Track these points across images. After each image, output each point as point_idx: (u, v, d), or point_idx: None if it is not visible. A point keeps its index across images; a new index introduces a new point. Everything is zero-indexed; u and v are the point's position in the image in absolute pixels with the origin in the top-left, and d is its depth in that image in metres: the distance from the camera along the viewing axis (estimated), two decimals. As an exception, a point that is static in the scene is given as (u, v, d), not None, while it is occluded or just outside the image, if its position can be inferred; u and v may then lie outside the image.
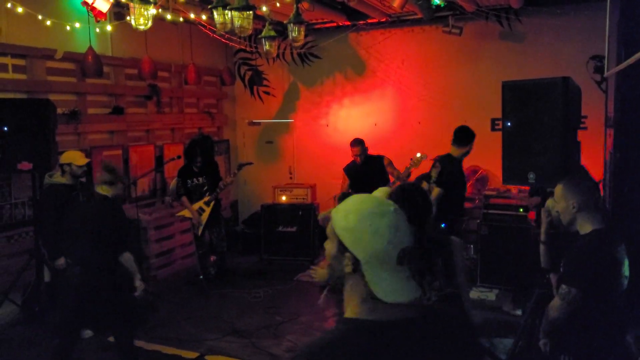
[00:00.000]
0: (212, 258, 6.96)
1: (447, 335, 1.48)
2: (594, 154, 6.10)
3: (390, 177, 6.70)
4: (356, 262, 1.41)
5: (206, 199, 6.67)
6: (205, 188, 6.73)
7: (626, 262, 2.61)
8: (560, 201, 2.76)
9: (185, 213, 6.75)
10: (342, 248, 1.44)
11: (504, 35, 7.45)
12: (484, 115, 7.51)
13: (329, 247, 1.50)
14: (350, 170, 6.88)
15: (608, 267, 2.58)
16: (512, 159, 3.72)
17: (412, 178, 6.78)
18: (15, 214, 5.74)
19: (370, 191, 6.46)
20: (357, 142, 6.75)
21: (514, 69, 7.35)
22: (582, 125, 6.01)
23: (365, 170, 6.69)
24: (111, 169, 4.37)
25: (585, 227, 2.69)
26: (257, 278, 7.14)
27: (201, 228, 6.67)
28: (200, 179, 6.72)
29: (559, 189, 2.78)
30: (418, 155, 6.24)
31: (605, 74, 3.76)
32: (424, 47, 8.02)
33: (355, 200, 1.50)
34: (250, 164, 7.39)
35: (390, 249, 1.39)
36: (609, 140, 4.64)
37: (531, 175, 3.57)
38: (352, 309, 1.46)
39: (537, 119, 3.56)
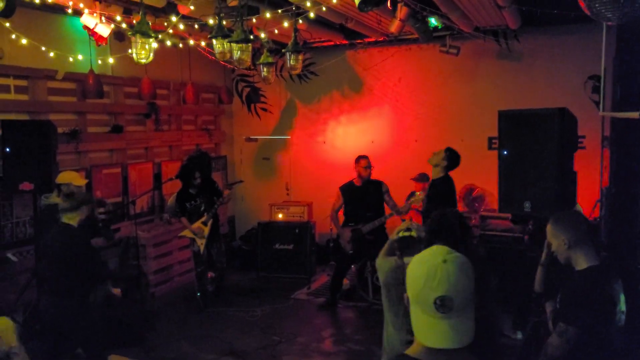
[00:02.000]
0: (210, 275, 6.99)
1: None
2: (592, 173, 6.19)
3: (385, 205, 6.67)
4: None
5: (204, 218, 6.70)
6: (203, 208, 6.76)
7: (622, 298, 2.65)
8: (552, 239, 2.79)
9: (187, 233, 6.79)
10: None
11: (502, 55, 7.55)
12: (481, 133, 7.60)
13: None
14: (346, 190, 6.79)
15: (604, 304, 2.61)
16: (508, 187, 3.78)
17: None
18: (17, 233, 5.77)
19: (364, 215, 6.59)
20: (365, 156, 6.73)
21: (511, 88, 7.46)
22: (579, 145, 6.12)
23: (362, 193, 6.66)
24: (68, 193, 4.39)
25: (580, 263, 2.72)
26: (254, 296, 7.17)
27: (202, 246, 6.70)
28: (198, 200, 6.75)
29: (549, 228, 2.81)
30: (419, 194, 6.36)
31: (601, 113, 3.83)
32: (421, 66, 8.11)
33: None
34: (241, 182, 7.45)
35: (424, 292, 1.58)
36: (605, 160, 4.72)
37: (527, 204, 3.64)
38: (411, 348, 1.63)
39: (533, 148, 3.63)
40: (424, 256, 1.63)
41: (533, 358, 3.11)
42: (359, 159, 6.71)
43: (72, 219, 4.24)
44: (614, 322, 2.62)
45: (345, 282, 7.03)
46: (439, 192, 5.77)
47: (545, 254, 3.05)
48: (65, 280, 4.24)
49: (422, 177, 7.17)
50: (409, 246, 3.66)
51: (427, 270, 1.56)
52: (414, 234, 3.63)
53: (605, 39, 3.85)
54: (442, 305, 1.51)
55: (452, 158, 5.86)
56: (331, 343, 5.77)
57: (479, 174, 7.34)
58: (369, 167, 6.64)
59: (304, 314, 6.61)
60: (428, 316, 1.54)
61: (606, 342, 2.65)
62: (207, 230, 6.68)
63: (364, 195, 6.64)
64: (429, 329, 1.54)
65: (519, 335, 5.40)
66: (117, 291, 4.62)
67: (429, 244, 2.76)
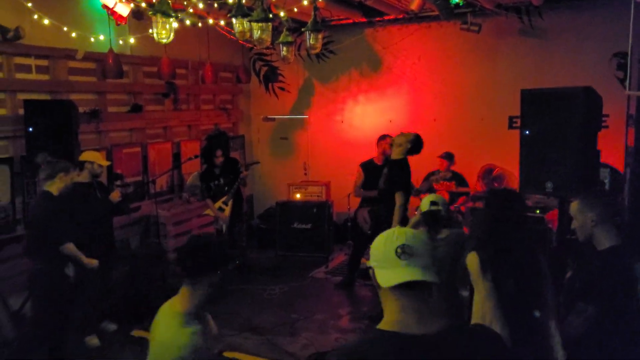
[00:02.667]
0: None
1: (475, 351, 1.57)
2: (615, 152, 6.10)
3: None
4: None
5: (224, 198, 6.78)
6: (227, 188, 6.85)
7: None
8: (577, 216, 2.78)
9: (210, 212, 6.91)
10: None
11: (524, 32, 7.39)
12: (501, 112, 7.51)
13: None
14: (366, 167, 6.81)
15: (625, 285, 2.61)
16: (530, 167, 3.75)
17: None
18: (39, 212, 5.86)
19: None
20: (387, 135, 6.69)
21: (532, 66, 7.34)
22: (603, 124, 6.02)
23: (382, 172, 6.62)
24: (48, 161, 4.46)
25: (602, 242, 2.72)
26: (272, 274, 7.24)
27: (225, 225, 6.78)
28: (221, 180, 6.85)
29: (575, 205, 2.80)
30: (438, 172, 6.60)
31: (627, 92, 3.76)
32: (441, 44, 8.00)
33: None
34: (257, 163, 7.47)
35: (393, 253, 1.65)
36: (629, 137, 4.63)
37: (549, 184, 3.61)
38: (384, 321, 1.62)
39: (556, 128, 3.59)
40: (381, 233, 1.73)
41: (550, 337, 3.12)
42: (385, 136, 6.69)
43: (51, 187, 4.34)
44: (634, 303, 2.62)
45: (364, 261, 7.06)
46: (399, 174, 5.72)
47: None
48: (32, 243, 4.49)
49: (447, 156, 7.14)
50: (435, 221, 3.67)
51: (387, 235, 1.68)
52: (440, 208, 3.65)
53: (633, 15, 3.76)
54: (403, 252, 1.59)
55: (417, 143, 5.79)
56: (348, 320, 5.83)
57: (499, 154, 7.28)
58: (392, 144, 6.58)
59: (322, 292, 6.67)
60: (392, 269, 1.61)
61: (625, 322, 2.65)
62: (227, 209, 6.75)
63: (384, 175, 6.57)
64: (391, 275, 1.60)
65: (537, 314, 5.40)
66: (92, 262, 4.65)
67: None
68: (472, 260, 2.62)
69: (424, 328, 1.55)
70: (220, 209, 6.81)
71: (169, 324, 2.45)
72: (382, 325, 1.60)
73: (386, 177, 5.85)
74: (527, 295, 2.73)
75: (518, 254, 2.78)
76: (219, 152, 6.82)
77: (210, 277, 2.53)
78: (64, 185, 4.41)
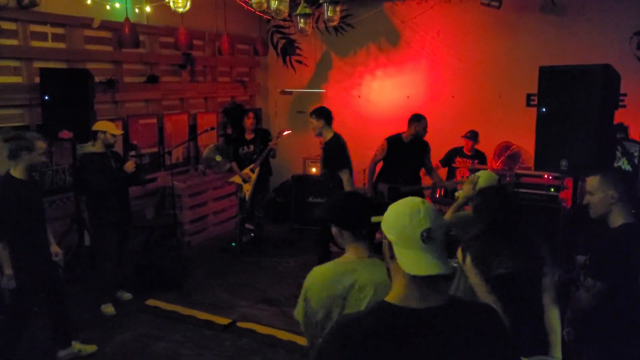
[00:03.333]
0: (247, 226, 7.14)
1: (472, 326, 1.59)
2: (632, 132, 6.01)
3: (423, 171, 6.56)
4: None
5: (251, 166, 6.83)
6: (255, 156, 6.89)
7: None
8: (596, 192, 2.74)
9: (236, 179, 6.94)
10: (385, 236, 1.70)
11: (545, 9, 7.22)
12: (520, 90, 7.39)
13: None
14: (393, 143, 6.44)
15: (635, 263, 2.60)
16: (545, 145, 3.70)
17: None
18: (57, 180, 5.95)
19: (401, 175, 6.45)
20: (423, 116, 6.38)
21: (553, 43, 7.18)
22: (621, 104, 5.90)
23: (408, 151, 6.36)
24: (8, 138, 3.96)
25: (616, 220, 2.70)
26: (287, 247, 7.30)
27: (248, 193, 6.83)
28: (252, 147, 6.89)
29: (595, 180, 2.76)
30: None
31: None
32: (460, 19, 7.85)
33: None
34: (288, 131, 7.45)
35: (419, 229, 1.63)
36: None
37: (564, 163, 3.56)
38: (391, 294, 1.65)
39: (573, 105, 3.53)
40: (400, 202, 1.72)
41: (562, 313, 3.11)
42: (420, 118, 6.33)
43: (16, 169, 3.95)
44: None
45: (378, 236, 7.04)
46: (334, 153, 5.76)
47: None
48: None
49: (473, 135, 7.05)
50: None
51: (410, 208, 1.65)
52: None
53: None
54: (428, 237, 1.60)
55: (326, 113, 5.93)
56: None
57: (516, 131, 7.19)
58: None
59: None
60: (413, 250, 1.61)
61: (634, 300, 2.64)
62: (253, 177, 6.79)
63: (408, 153, 6.35)
64: (415, 261, 1.60)
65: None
66: (55, 250, 4.41)
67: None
68: (463, 255, 2.75)
69: (426, 303, 1.58)
70: (247, 176, 6.85)
71: None
72: (390, 298, 1.62)
73: (323, 159, 5.87)
74: (525, 279, 2.72)
75: (514, 242, 2.75)
76: (250, 114, 6.87)
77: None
78: (28, 165, 3.98)
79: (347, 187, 5.63)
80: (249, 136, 7.01)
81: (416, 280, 1.59)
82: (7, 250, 3.91)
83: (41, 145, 4.06)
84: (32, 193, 4.10)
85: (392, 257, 1.64)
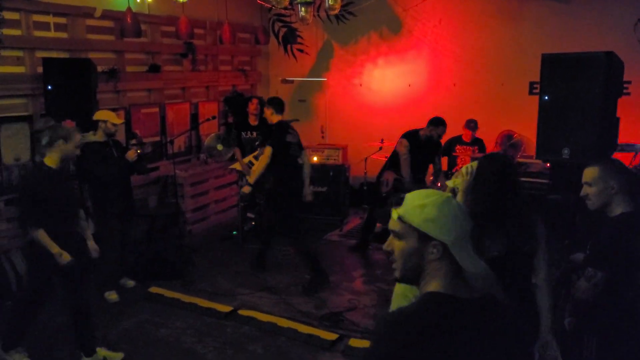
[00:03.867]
0: (249, 214, 7.15)
1: (501, 316, 1.64)
2: (636, 120, 6.00)
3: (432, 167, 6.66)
4: (444, 247, 1.59)
5: (256, 152, 6.79)
6: (258, 142, 6.87)
7: None
8: (596, 183, 2.74)
9: (237, 166, 6.93)
10: (425, 239, 1.60)
11: (547, -4, 7.22)
12: (522, 78, 7.38)
13: (402, 244, 1.64)
14: (412, 139, 6.39)
15: (635, 252, 2.61)
16: (547, 133, 3.70)
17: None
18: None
19: (418, 167, 6.47)
20: (443, 123, 6.31)
21: (556, 31, 7.16)
22: (625, 92, 5.89)
23: (422, 149, 6.38)
24: (50, 126, 4.01)
25: (615, 209, 2.71)
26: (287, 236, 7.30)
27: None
28: (255, 133, 6.88)
29: (594, 171, 2.76)
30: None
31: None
32: (462, 7, 7.83)
33: (421, 194, 1.66)
34: (297, 120, 7.45)
35: (468, 228, 1.62)
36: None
37: (566, 151, 3.57)
38: (435, 285, 1.62)
39: (576, 93, 3.53)
40: (432, 199, 1.63)
41: (563, 302, 3.14)
42: (439, 124, 6.28)
43: (49, 158, 3.95)
44: None
45: (378, 225, 7.09)
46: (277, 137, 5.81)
47: None
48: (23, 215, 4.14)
49: (474, 125, 7.07)
50: None
51: (458, 209, 1.63)
52: None
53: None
54: (473, 231, 1.62)
55: (276, 102, 5.90)
56: (361, 283, 5.90)
57: (519, 120, 7.20)
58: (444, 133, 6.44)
59: (336, 254, 6.74)
60: (466, 248, 1.61)
61: (634, 290, 2.66)
62: (258, 164, 6.77)
63: (422, 153, 6.39)
64: (472, 259, 1.61)
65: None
66: (94, 246, 4.35)
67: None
68: None
69: (469, 292, 1.60)
70: (250, 164, 6.82)
71: None
72: (436, 289, 1.61)
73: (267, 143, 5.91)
74: (519, 260, 2.71)
75: (509, 220, 2.71)
76: (254, 100, 6.85)
77: None
78: (63, 154, 4.00)
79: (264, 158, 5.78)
80: (253, 122, 7.00)
81: (462, 274, 1.61)
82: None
83: (77, 137, 4.09)
84: (63, 182, 4.12)
85: (440, 257, 1.59)
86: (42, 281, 4.11)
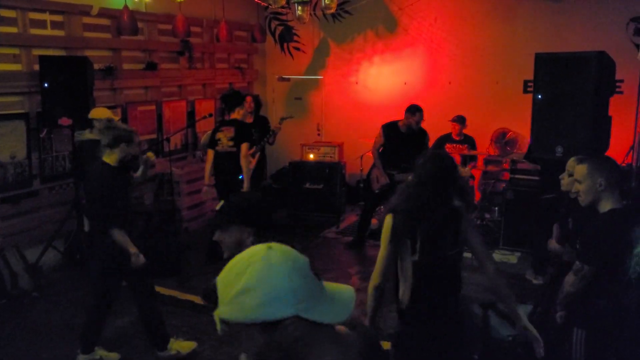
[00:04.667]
0: None
1: None
2: (627, 118, 6.03)
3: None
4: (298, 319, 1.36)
5: (252, 150, 6.80)
6: (254, 138, 6.88)
7: None
8: (585, 180, 2.79)
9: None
10: (270, 328, 1.38)
11: (542, -5, 7.26)
12: (517, 76, 7.38)
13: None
14: (388, 130, 6.49)
15: (622, 247, 2.65)
16: (541, 131, 3.74)
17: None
18: (56, 167, 5.98)
19: (399, 164, 6.52)
20: (419, 109, 6.35)
21: (550, 30, 7.21)
22: (617, 90, 5.93)
23: (404, 140, 6.40)
24: (109, 126, 4.04)
25: (605, 205, 2.75)
26: (283, 233, 7.35)
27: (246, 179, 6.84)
28: (252, 130, 6.88)
29: (583, 168, 2.81)
30: (466, 170, 6.42)
31: (639, 56, 3.70)
32: (458, 6, 7.87)
33: (227, 274, 1.39)
34: (291, 117, 7.46)
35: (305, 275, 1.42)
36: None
37: (559, 149, 3.61)
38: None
39: (569, 92, 3.57)
40: (245, 276, 1.34)
41: (556, 298, 3.18)
42: (415, 111, 6.34)
43: (109, 157, 3.98)
44: (630, 264, 2.66)
45: (374, 222, 7.12)
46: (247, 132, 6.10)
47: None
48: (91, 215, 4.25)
49: (459, 119, 7.11)
50: None
51: (275, 272, 1.35)
52: None
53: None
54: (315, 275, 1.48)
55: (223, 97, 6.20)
56: (358, 279, 5.93)
57: (513, 118, 7.25)
58: (421, 120, 6.39)
59: (332, 251, 6.77)
60: (316, 307, 1.37)
61: (622, 284, 2.70)
62: (254, 162, 6.79)
63: (405, 143, 6.36)
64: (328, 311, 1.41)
65: (540, 281, 5.46)
66: (139, 259, 4.17)
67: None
68: (387, 222, 2.73)
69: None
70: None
71: None
72: None
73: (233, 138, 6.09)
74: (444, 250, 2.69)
75: (435, 213, 2.66)
76: (248, 98, 6.87)
77: None
78: (123, 155, 3.99)
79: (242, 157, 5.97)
80: (248, 120, 7.00)
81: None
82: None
83: (137, 140, 4.17)
84: (124, 181, 4.15)
85: (299, 334, 1.35)
86: (113, 284, 4.14)
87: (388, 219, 2.72)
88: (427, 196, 2.63)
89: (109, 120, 5.07)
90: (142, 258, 3.97)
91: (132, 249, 3.93)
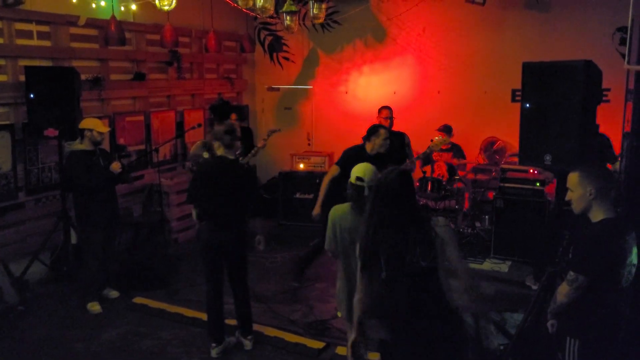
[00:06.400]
0: None
1: None
2: (615, 126, 6.07)
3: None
4: None
5: None
6: (239, 152, 6.84)
7: (634, 251, 2.67)
8: (576, 188, 2.79)
9: None
10: None
11: (529, 5, 7.32)
12: (505, 85, 7.46)
13: None
14: (351, 159, 6.44)
15: (615, 256, 2.64)
16: (529, 139, 3.74)
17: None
18: (43, 178, 5.92)
19: (384, 168, 6.43)
20: (387, 107, 6.54)
21: (537, 40, 7.27)
22: (604, 99, 5.98)
23: (381, 157, 6.42)
24: (230, 130, 4.47)
25: (597, 215, 2.75)
26: (274, 243, 7.30)
27: None
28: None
29: (574, 177, 2.81)
30: (437, 138, 6.11)
31: (625, 65, 3.72)
32: (446, 15, 7.91)
33: None
34: (279, 130, 7.44)
35: None
36: (628, 112, 4.61)
37: (547, 157, 3.60)
38: None
39: (557, 100, 3.56)
40: None
41: (547, 307, 3.16)
42: (381, 109, 6.56)
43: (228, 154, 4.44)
44: (623, 273, 2.65)
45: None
46: None
47: None
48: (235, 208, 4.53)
49: (446, 128, 7.13)
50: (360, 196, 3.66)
51: None
52: (364, 185, 3.63)
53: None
54: None
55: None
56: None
57: (501, 126, 7.29)
58: (389, 117, 6.47)
59: (322, 261, 6.69)
60: None
61: (615, 294, 2.69)
62: None
63: (383, 160, 6.36)
64: None
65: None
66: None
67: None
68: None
69: None
70: None
71: None
72: None
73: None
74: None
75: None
76: (233, 116, 6.85)
77: None
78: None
79: None
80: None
81: None
82: None
83: None
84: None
85: None
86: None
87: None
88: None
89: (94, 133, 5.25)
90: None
91: None
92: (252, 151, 6.81)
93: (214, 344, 4.50)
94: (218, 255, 4.49)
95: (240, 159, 6.73)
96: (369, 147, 5.33)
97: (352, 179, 3.63)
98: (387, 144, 5.30)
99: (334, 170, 5.39)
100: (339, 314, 4.25)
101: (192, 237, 7.45)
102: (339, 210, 3.65)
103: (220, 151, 4.41)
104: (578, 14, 7.07)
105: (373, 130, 5.34)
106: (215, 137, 4.44)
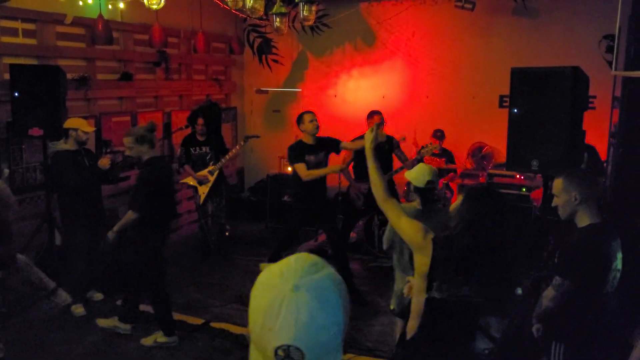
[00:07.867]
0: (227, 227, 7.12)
1: None
2: (601, 134, 6.13)
3: (395, 159, 6.60)
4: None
5: (210, 168, 6.74)
6: (209, 157, 6.79)
7: (619, 256, 2.68)
8: (561, 194, 2.80)
9: (189, 180, 6.83)
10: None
11: (517, 11, 7.37)
12: (493, 91, 7.47)
13: None
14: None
15: (601, 262, 2.65)
16: (517, 145, 3.76)
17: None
18: (27, 178, 5.84)
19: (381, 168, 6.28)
20: (378, 112, 6.48)
21: (525, 45, 7.32)
22: (590, 106, 6.03)
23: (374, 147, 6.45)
24: (153, 128, 4.59)
25: (583, 220, 2.76)
26: (261, 246, 7.27)
27: (203, 196, 6.75)
28: (205, 148, 6.79)
29: (559, 183, 2.82)
30: (429, 144, 6.13)
31: (613, 72, 3.75)
32: (435, 21, 7.94)
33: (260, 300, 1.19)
34: (257, 137, 7.41)
35: None
36: (614, 119, 4.66)
37: (534, 163, 3.62)
38: None
39: (544, 106, 3.59)
40: (273, 275, 1.14)
41: (531, 311, 3.17)
42: (372, 114, 6.49)
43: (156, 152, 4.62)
44: (608, 279, 2.66)
45: (353, 235, 7.09)
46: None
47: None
48: None
49: (441, 135, 7.16)
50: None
51: (270, 301, 1.10)
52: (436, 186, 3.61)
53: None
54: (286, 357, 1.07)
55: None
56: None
57: (489, 132, 7.30)
58: (382, 123, 6.41)
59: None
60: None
61: (600, 298, 2.70)
62: (212, 179, 6.71)
63: (375, 149, 6.41)
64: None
65: (519, 291, 5.46)
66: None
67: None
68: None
69: None
70: (206, 179, 6.74)
71: None
72: None
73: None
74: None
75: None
76: (200, 121, 6.74)
77: None
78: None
79: None
80: (200, 137, 6.83)
81: None
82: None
83: None
84: None
85: None
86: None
87: None
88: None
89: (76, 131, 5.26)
90: None
91: None
92: (226, 156, 6.77)
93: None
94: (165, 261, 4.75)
95: (211, 165, 6.72)
96: (305, 137, 5.90)
97: (420, 183, 3.55)
98: (317, 124, 5.86)
99: (304, 169, 5.84)
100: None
101: (177, 239, 7.43)
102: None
103: (149, 154, 4.48)
104: (565, 22, 7.13)
105: (298, 120, 5.96)
106: (144, 140, 4.47)
